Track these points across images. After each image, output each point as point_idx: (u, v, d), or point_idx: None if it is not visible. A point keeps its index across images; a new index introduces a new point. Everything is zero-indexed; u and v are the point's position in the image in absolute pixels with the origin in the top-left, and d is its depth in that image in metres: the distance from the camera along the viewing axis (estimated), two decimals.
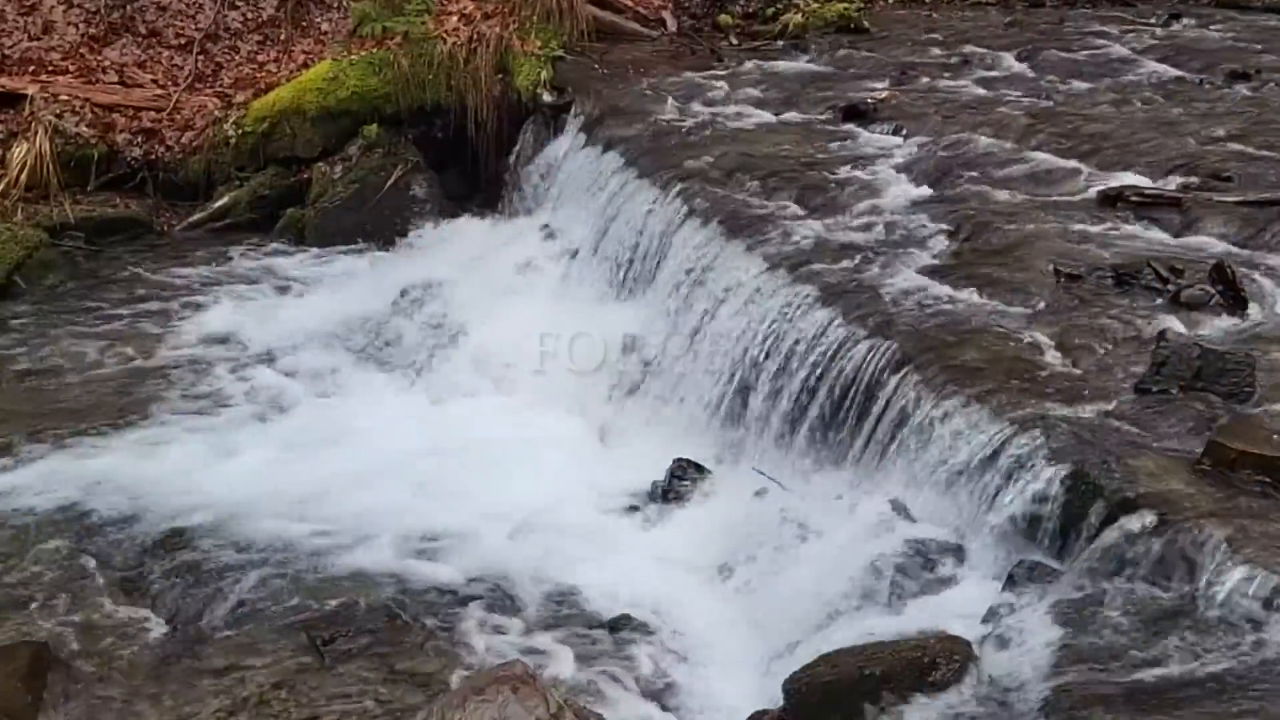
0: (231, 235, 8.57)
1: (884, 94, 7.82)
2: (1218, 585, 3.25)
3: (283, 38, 9.62)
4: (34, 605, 4.72)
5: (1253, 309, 4.80)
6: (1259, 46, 8.94)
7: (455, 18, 9.10)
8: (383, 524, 5.20)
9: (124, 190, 8.70)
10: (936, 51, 9.08)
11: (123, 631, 4.61)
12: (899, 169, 6.63)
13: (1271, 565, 3.24)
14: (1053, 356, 4.54)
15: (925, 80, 8.25)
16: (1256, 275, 5.00)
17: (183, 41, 9.45)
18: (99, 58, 9.22)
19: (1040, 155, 6.61)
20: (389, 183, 8.49)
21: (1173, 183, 6.14)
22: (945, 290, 5.18)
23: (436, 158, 8.77)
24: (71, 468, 5.68)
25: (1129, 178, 6.19)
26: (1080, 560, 3.65)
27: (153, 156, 8.79)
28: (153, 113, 8.94)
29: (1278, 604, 3.15)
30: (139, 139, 8.81)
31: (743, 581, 4.76)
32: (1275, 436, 3.81)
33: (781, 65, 8.80)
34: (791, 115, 7.68)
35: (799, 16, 9.77)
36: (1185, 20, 9.88)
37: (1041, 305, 4.94)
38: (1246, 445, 3.69)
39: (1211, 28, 9.64)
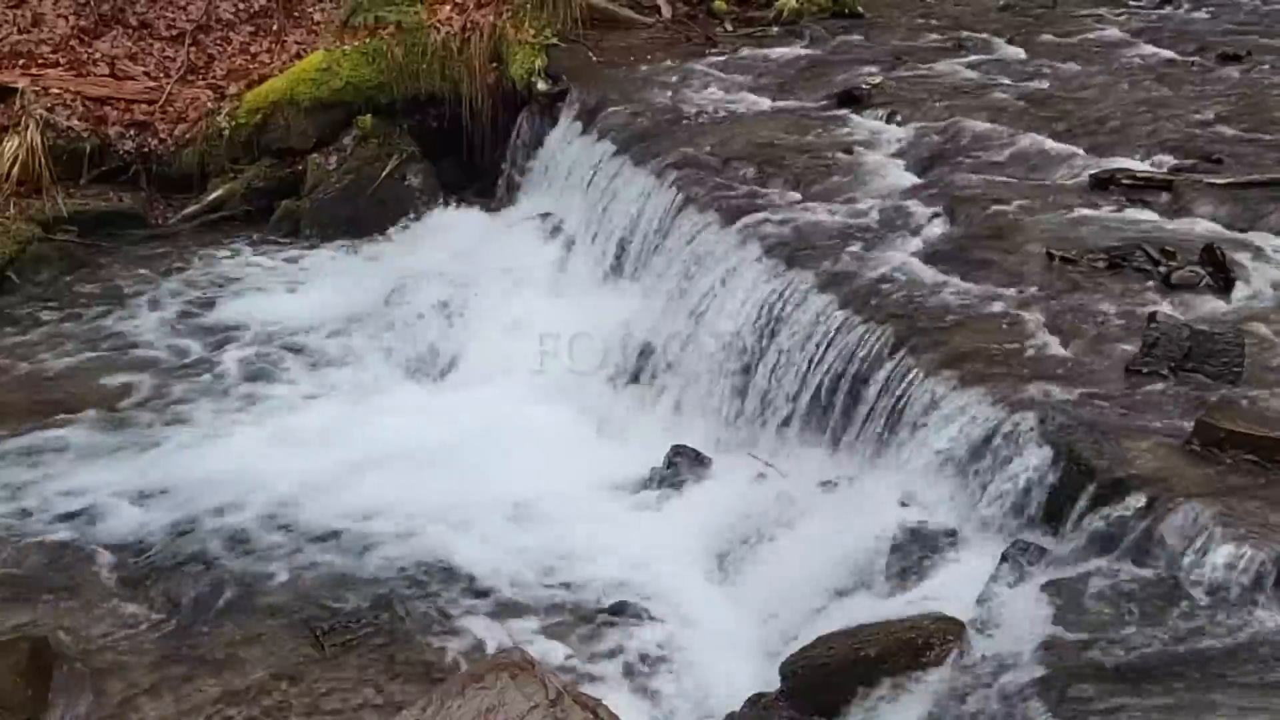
0: (226, 228, 8.55)
1: (878, 79, 7.83)
2: (1206, 563, 3.29)
3: (275, 28, 9.60)
4: (34, 599, 4.74)
5: (1242, 290, 4.83)
6: (1250, 29, 8.94)
7: (449, 6, 9.07)
8: (380, 514, 5.23)
9: (117, 183, 8.66)
10: (931, 36, 9.08)
11: (123, 624, 4.63)
12: (893, 154, 6.65)
13: (1259, 543, 3.27)
14: (1045, 339, 4.57)
15: (919, 65, 8.25)
16: (1246, 257, 5.03)
17: (174, 33, 9.42)
18: (89, 50, 9.18)
19: (1033, 139, 6.62)
20: (384, 173, 8.48)
21: (1164, 165, 6.16)
22: (939, 274, 5.20)
23: (432, 147, 8.75)
24: (68, 461, 5.70)
25: (1121, 161, 6.21)
26: (1071, 540, 3.69)
27: (145, 149, 8.75)
28: (145, 105, 8.91)
29: (1265, 581, 3.19)
30: (131, 132, 8.78)
31: (740, 566, 4.79)
32: (1264, 416, 3.85)
33: (776, 51, 8.79)
34: (786, 101, 7.68)
35: (794, 2, 9.74)
36: (1178, 2, 9.87)
37: (1034, 288, 4.97)
38: (1235, 425, 3.73)
39: (1204, 10, 9.64)
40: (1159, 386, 4.17)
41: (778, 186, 6.35)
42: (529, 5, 8.92)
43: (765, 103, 7.67)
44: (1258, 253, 5.09)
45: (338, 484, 5.45)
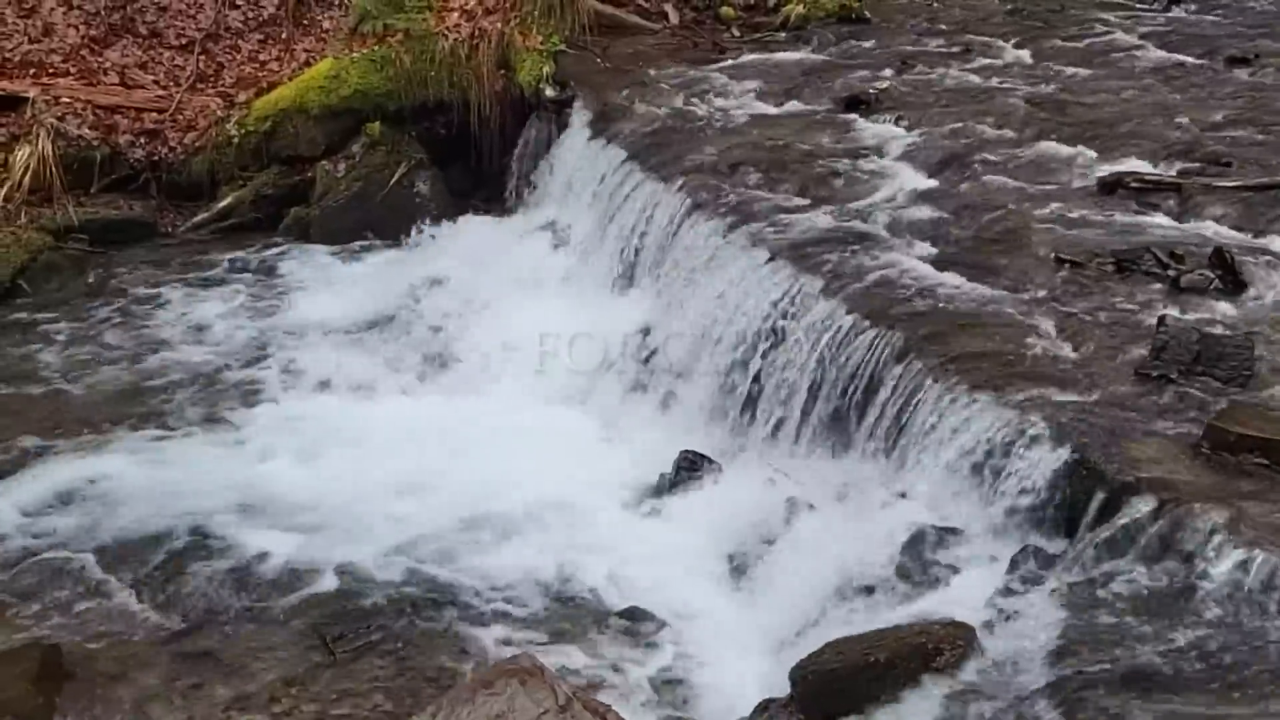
0: (236, 235, 8.58)
1: (885, 84, 7.83)
2: (1217, 567, 3.28)
3: (284, 36, 9.64)
4: (44, 607, 4.75)
5: (1252, 293, 4.82)
6: (1258, 32, 8.93)
7: (456, 13, 9.10)
8: (389, 519, 5.24)
9: (127, 192, 8.70)
10: (937, 40, 9.08)
11: (133, 631, 4.64)
12: (901, 158, 6.65)
13: (1270, 547, 3.26)
14: (1054, 342, 4.57)
15: (926, 69, 8.25)
16: (1256, 260, 5.02)
17: (184, 42, 9.47)
18: (100, 59, 9.23)
19: (1041, 143, 6.62)
20: (393, 180, 8.51)
21: (1173, 168, 6.15)
22: (947, 278, 5.20)
23: (440, 154, 8.78)
24: (80, 470, 5.71)
25: (1129, 164, 6.20)
26: (1082, 544, 3.68)
27: (156, 157, 8.80)
28: (155, 114, 8.95)
29: (1276, 585, 3.17)
30: (142, 140, 8.82)
31: (749, 571, 4.79)
32: (1274, 419, 3.83)
33: (783, 56, 8.81)
34: (794, 106, 7.69)
35: (800, 7, 9.77)
36: (1185, 5, 9.86)
37: (1043, 292, 4.96)
38: (1245, 428, 3.73)
39: (1211, 13, 9.62)
40: (1169, 390, 4.16)
41: (785, 191, 6.35)
42: (536, 12, 8.94)
43: (772, 108, 7.68)
44: (1267, 256, 5.08)
45: (341, 489, 5.46)
